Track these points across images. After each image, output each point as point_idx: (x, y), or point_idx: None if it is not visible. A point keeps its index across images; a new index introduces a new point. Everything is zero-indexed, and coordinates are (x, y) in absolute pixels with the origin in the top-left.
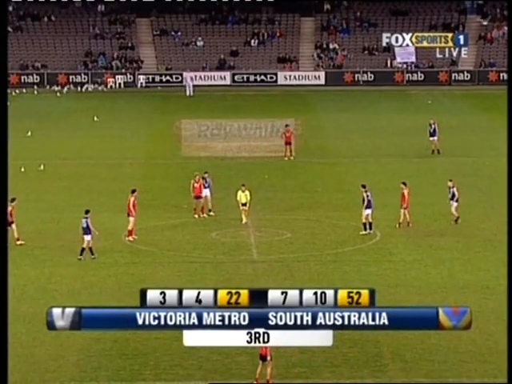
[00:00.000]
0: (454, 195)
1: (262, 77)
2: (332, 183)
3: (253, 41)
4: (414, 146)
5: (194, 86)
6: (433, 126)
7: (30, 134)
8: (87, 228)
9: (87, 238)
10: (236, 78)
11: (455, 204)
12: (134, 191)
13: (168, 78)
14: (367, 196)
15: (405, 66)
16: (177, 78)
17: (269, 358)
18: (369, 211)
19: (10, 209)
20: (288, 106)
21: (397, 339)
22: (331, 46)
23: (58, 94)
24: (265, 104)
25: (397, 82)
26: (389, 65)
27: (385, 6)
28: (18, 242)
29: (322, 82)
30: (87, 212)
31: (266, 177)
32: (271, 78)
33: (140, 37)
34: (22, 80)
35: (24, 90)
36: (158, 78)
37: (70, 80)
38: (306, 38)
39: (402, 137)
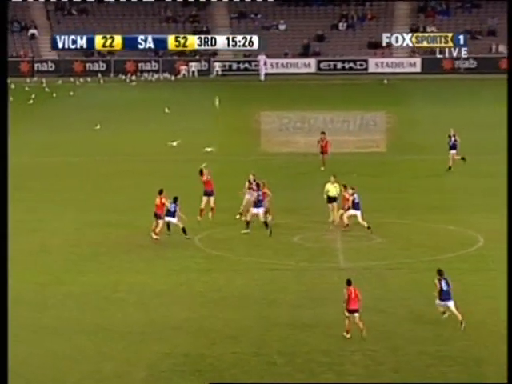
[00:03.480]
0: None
1: (351, 64)
2: (429, 183)
3: (341, 24)
4: None
5: (265, 73)
6: (452, 139)
7: (98, 126)
8: (174, 212)
9: (174, 220)
10: (322, 65)
11: (358, 212)
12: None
13: (246, 65)
14: None
15: None
16: (256, 66)
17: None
18: None
19: (158, 200)
20: (379, 96)
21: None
22: (429, 30)
23: (130, 82)
24: (353, 94)
25: (504, 69)
26: (493, 50)
27: None
28: (155, 237)
29: (418, 69)
30: (176, 199)
31: (355, 175)
32: (361, 65)
33: (216, 20)
34: (87, 67)
35: (88, 79)
36: (235, 66)
37: (139, 68)
38: (400, 21)
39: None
